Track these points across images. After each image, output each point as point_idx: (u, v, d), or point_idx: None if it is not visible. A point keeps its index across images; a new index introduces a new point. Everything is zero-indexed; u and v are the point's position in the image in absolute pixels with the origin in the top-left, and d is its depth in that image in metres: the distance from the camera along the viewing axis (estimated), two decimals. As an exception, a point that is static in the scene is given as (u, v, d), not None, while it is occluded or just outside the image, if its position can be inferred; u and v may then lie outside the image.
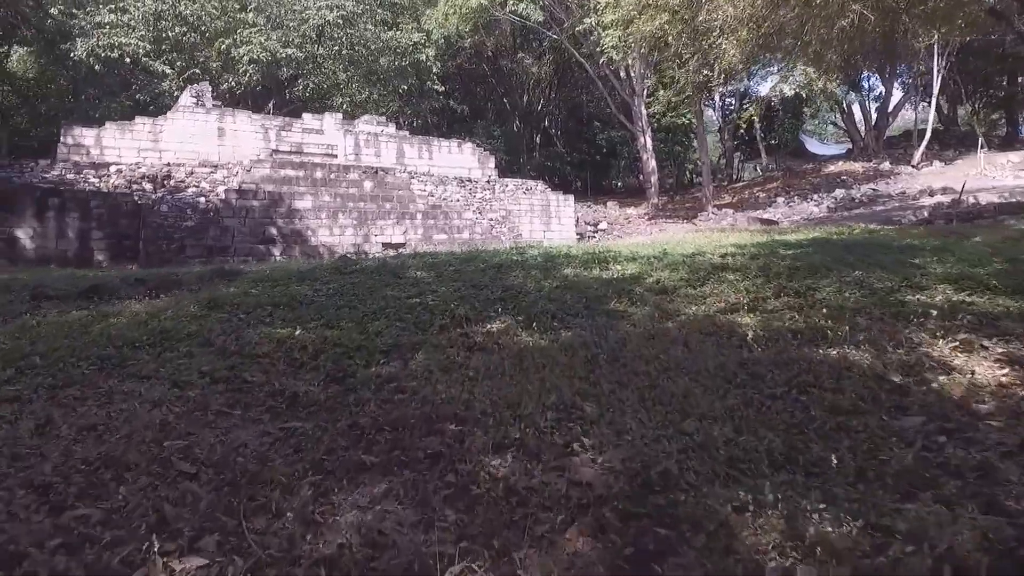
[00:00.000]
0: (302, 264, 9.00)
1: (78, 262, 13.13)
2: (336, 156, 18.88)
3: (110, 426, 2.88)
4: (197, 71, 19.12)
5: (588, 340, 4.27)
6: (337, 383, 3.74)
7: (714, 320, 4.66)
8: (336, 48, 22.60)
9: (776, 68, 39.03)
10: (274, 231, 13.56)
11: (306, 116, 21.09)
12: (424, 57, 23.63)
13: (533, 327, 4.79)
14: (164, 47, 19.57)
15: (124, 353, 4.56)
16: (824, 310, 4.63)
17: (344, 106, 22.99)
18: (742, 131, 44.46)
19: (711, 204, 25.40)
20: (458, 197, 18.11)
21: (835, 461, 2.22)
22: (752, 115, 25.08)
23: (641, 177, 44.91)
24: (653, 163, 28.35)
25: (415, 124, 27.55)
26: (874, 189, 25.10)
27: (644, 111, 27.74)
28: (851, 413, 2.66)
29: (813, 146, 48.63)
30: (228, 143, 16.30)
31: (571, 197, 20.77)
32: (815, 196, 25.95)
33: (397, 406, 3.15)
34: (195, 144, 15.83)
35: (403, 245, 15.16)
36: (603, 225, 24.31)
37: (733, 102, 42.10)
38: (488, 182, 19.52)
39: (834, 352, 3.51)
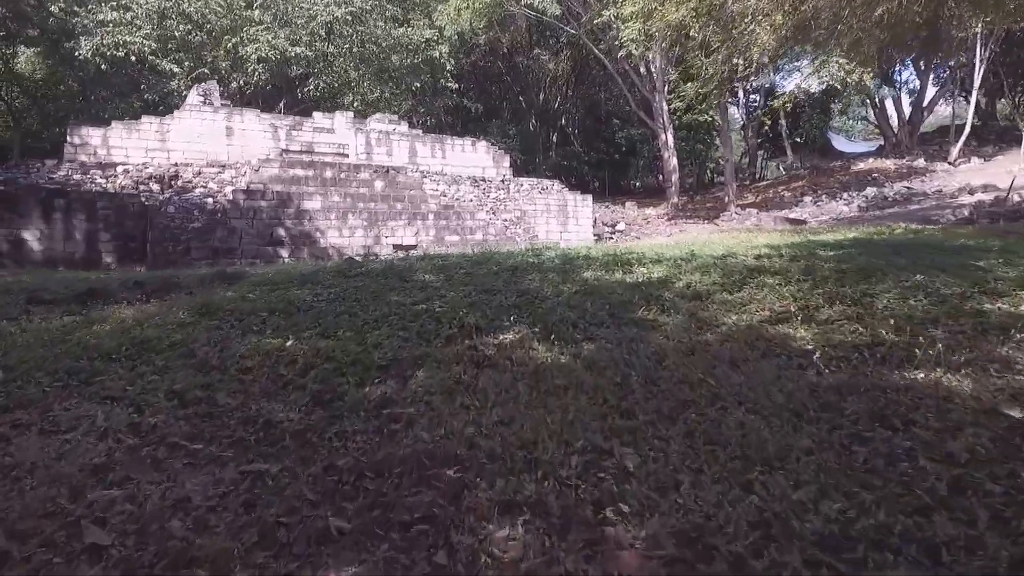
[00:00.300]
0: (307, 267, 8.53)
1: (85, 264, 12.86)
2: (347, 155, 18.49)
3: (36, 467, 2.37)
4: (205, 70, 18.90)
5: (616, 356, 3.69)
6: (322, 407, 3.22)
7: (760, 332, 4.04)
8: (346, 46, 22.25)
9: (804, 62, 38.01)
10: (282, 232, 13.17)
11: (316, 115, 20.76)
12: (437, 54, 23.19)
13: (551, 339, 4.23)
14: (171, 46, 19.38)
15: (96, 367, 4.11)
16: (891, 321, 3.98)
17: (356, 105, 22.63)
18: (766, 128, 43.56)
19: (734, 203, 24.58)
20: (471, 197, 17.60)
21: (969, 543, 1.61)
22: (786, 101, 24.19)
23: (661, 176, 44.09)
24: (674, 161, 27.59)
25: (428, 123, 27.14)
26: (908, 187, 24.07)
27: (665, 107, 27.01)
28: (973, 463, 2.04)
29: (840, 143, 47.35)
30: (236, 143, 15.99)
31: (589, 197, 20.15)
32: (844, 195, 24.99)
33: (386, 441, 2.61)
34: (203, 144, 15.54)
35: (414, 247, 14.69)
36: (621, 226, 23.64)
37: (757, 99, 41.07)
38: (503, 181, 18.98)
39: (921, 375, 2.89)
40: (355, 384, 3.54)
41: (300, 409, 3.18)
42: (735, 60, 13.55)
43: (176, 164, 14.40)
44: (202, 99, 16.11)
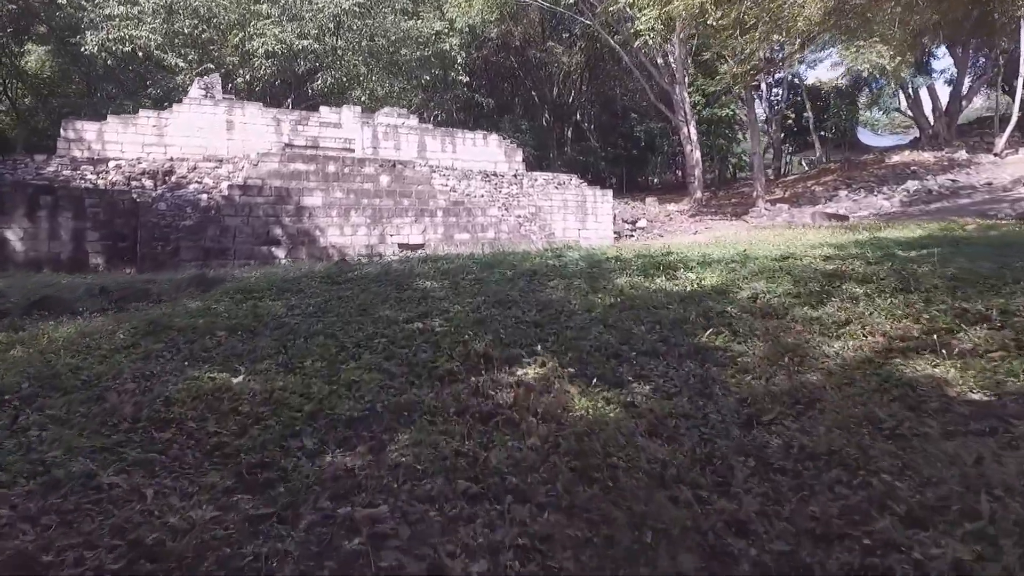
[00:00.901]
0: (295, 270, 7.46)
1: (72, 265, 11.94)
2: (354, 151, 17.46)
3: None
4: (211, 66, 18.01)
5: (687, 408, 2.52)
6: (251, 495, 2.09)
7: (889, 371, 2.84)
8: (355, 40, 21.23)
9: (828, 53, 36.33)
10: (279, 231, 12.15)
11: (323, 109, 19.75)
12: (448, 47, 22.08)
13: (589, 377, 3.07)
14: (177, 41, 18.51)
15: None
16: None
17: (364, 100, 21.62)
18: (790, 122, 41.93)
19: (762, 199, 23.17)
20: (483, 192, 16.46)
21: None
22: (835, 83, 22.58)
23: (681, 171, 42.61)
24: (697, 155, 26.21)
25: (439, 119, 26.05)
26: (953, 180, 22.48)
27: (687, 99, 25.64)
28: None
29: (866, 137, 45.48)
30: (237, 137, 15.03)
31: (609, 192, 18.92)
32: (883, 189, 23.45)
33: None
34: (202, 138, 14.60)
35: (422, 246, 13.60)
36: (642, 223, 22.36)
37: (780, 92, 39.36)
38: (516, 176, 17.82)
39: None
40: (309, 453, 2.41)
41: (215, 501, 2.06)
42: (774, 37, 12.29)
43: (172, 159, 13.45)
44: (203, 92, 15.16)
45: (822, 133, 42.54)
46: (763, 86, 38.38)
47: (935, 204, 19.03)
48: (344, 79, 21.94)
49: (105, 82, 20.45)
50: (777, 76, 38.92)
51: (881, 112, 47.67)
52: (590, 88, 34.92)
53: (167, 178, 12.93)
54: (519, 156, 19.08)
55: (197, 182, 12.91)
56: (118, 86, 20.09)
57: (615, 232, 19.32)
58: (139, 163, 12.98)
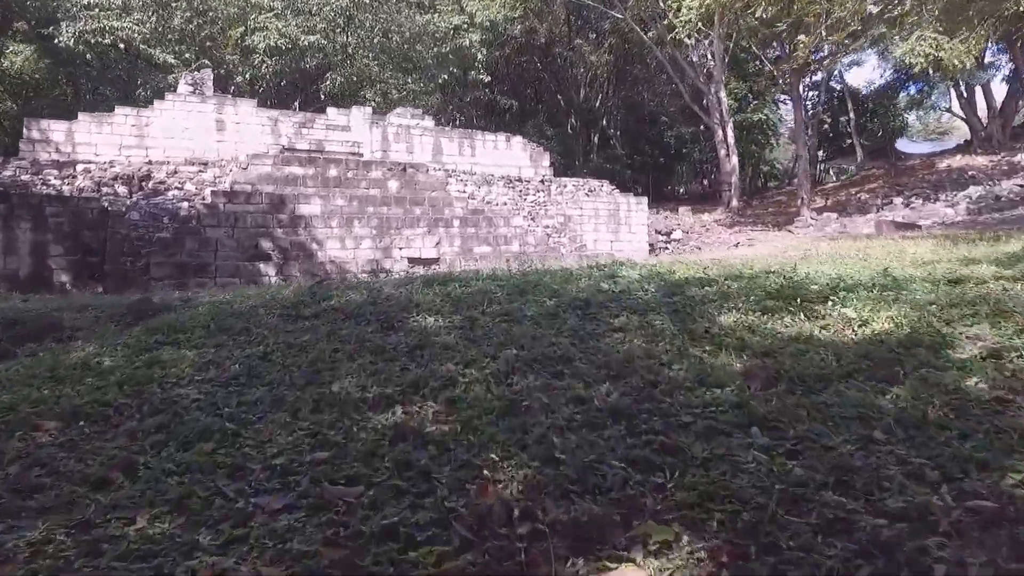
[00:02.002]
0: (259, 296, 5.60)
1: (32, 283, 10.27)
2: (362, 155, 15.75)
3: None
4: (207, 62, 16.54)
5: None
6: None
7: None
8: (366, 36, 19.66)
9: (870, 51, 33.98)
10: (269, 244, 10.39)
11: (330, 111, 18.14)
12: (467, 42, 20.40)
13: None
14: (171, 36, 17.10)
15: None
16: None
17: (378, 101, 20.00)
18: (826, 127, 39.50)
19: (808, 207, 20.92)
20: (505, 200, 14.58)
21: None
22: (875, 84, 20.41)
23: (706, 181, 40.43)
24: (734, 160, 24.10)
25: (458, 122, 24.35)
26: (1021, 186, 20.01)
27: (724, 100, 23.59)
28: None
29: (901, 143, 42.83)
30: (229, 139, 13.42)
31: (643, 200, 16.91)
32: (941, 196, 21.06)
33: None
34: (188, 140, 13.01)
35: (436, 261, 11.73)
36: (677, 234, 20.26)
37: (816, 96, 36.94)
38: (543, 182, 15.92)
39: None
40: None
41: None
42: (823, 31, 10.39)
43: (151, 162, 11.83)
44: (191, 88, 13.61)
45: (848, 141, 40.13)
46: (801, 88, 36.12)
47: (1009, 212, 16.66)
48: (355, 79, 20.34)
49: (95, 83, 19.05)
50: (814, 78, 36.71)
51: (922, 114, 44.88)
52: (616, 93, 33.01)
53: (144, 184, 11.28)
54: (546, 160, 17.20)
55: (178, 188, 11.24)
56: (108, 87, 18.66)
57: (650, 244, 17.29)
58: (111, 167, 11.36)
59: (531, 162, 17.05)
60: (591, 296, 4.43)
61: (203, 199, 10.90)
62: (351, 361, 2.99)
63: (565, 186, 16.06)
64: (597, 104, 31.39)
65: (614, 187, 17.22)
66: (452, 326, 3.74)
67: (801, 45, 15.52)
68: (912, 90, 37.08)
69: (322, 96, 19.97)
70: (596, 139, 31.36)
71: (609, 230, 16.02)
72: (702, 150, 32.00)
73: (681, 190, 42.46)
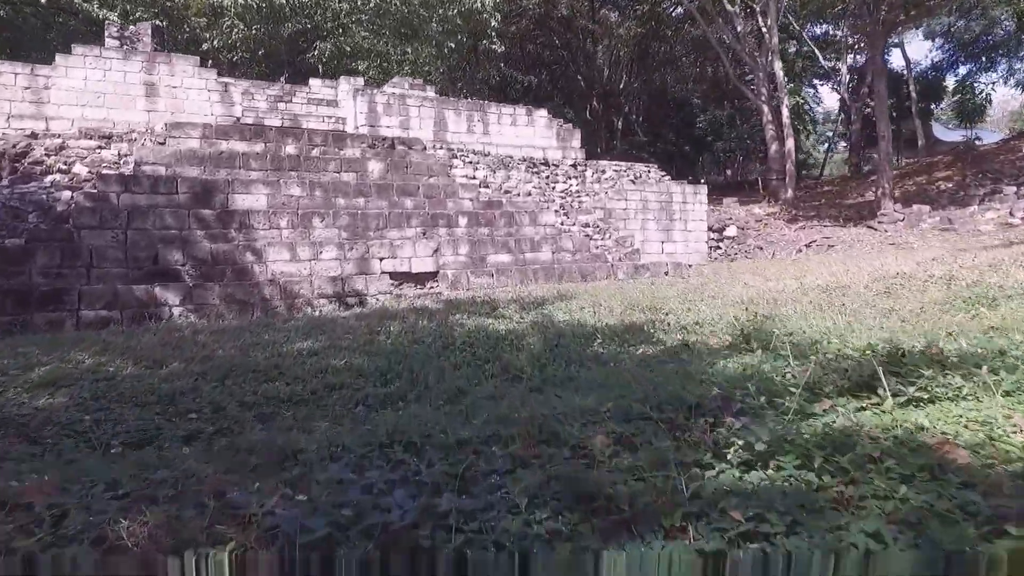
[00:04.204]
0: None
1: None
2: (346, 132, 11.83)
3: None
4: (159, 22, 12.64)
5: None
6: None
7: None
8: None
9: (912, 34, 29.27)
10: (178, 256, 6.52)
11: (314, 82, 14.18)
12: (479, 3, 16.31)
13: None
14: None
15: None
16: None
17: (371, 74, 16.01)
18: (869, 110, 34.67)
19: (889, 199, 16.58)
20: (529, 188, 10.55)
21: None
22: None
23: (732, 169, 36.01)
24: (789, 144, 19.79)
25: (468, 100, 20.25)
26: None
27: (779, 71, 19.22)
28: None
29: (938, 131, 37.89)
30: (163, 107, 9.58)
31: (702, 189, 12.80)
32: (1054, 183, 16.56)
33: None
34: (107, 108, 9.19)
35: (433, 276, 7.75)
36: (731, 230, 16.05)
37: (854, 78, 32.11)
38: (574, 166, 11.86)
39: None
40: None
41: None
42: None
43: (36, 136, 7.98)
44: (118, 42, 9.74)
45: (894, 127, 35.44)
46: (843, 69, 31.42)
47: None
48: (348, 49, 16.33)
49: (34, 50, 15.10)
50: (859, 58, 31.98)
51: (969, 97, 39.69)
52: (639, 74, 28.60)
53: (17, 164, 7.43)
54: (576, 140, 13.09)
55: (62, 170, 7.37)
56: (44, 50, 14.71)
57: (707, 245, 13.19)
58: (-31, 141, 7.52)
59: (558, 142, 12.96)
60: None
61: (95, 187, 7.02)
62: None
63: (603, 172, 11.97)
64: (621, 86, 27.03)
65: (664, 173, 13.10)
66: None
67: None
68: (961, 71, 32.29)
69: (319, 68, 16.00)
70: (620, 123, 27.05)
71: (660, 227, 11.93)
72: (738, 135, 27.50)
73: (702, 180, 38.01)
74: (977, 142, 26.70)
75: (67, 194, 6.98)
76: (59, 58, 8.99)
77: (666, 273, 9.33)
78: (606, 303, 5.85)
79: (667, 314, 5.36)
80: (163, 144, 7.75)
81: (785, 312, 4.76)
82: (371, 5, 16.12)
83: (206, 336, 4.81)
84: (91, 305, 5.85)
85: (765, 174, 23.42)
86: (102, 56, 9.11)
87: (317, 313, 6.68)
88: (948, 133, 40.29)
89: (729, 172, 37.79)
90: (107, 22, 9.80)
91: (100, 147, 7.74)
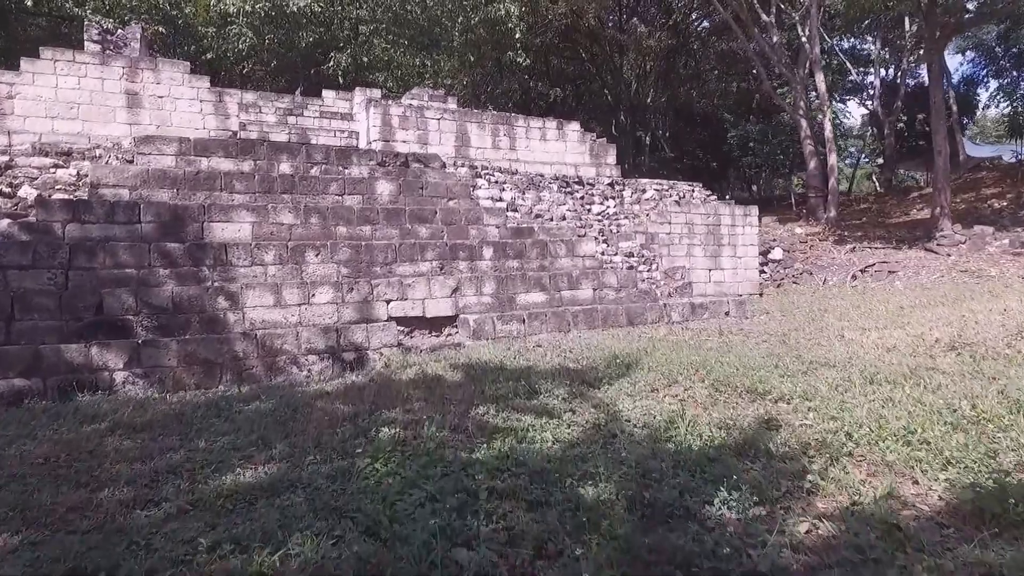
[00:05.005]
0: None
1: None
2: (358, 147, 10.34)
3: None
4: (160, 29, 11.34)
5: None
6: None
7: None
8: (377, 5, 14.27)
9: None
10: (130, 301, 4.98)
11: (327, 93, 12.81)
12: (503, 12, 14.82)
13: None
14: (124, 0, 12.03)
15: None
16: None
17: (389, 85, 14.60)
18: (901, 125, 32.40)
19: (948, 217, 14.58)
20: (563, 211, 8.88)
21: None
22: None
23: (757, 185, 34.11)
24: (832, 159, 17.91)
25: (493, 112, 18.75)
26: None
27: (821, 83, 17.39)
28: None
29: (969, 147, 35.48)
30: (148, 119, 8.17)
31: (753, 210, 11.00)
32: None
33: None
34: (82, 121, 7.81)
35: (452, 321, 6.12)
36: (776, 253, 14.20)
37: (877, 92, 30.00)
38: (612, 186, 10.18)
39: None
40: None
41: None
42: None
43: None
44: (99, 46, 8.39)
45: (921, 142, 33.23)
46: (876, 82, 29.34)
47: None
48: (365, 60, 14.96)
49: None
50: (885, 74, 29.96)
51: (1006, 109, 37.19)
52: (665, 88, 26.89)
53: (-42, 187, 6.00)
54: (611, 156, 11.44)
55: (4, 194, 5.92)
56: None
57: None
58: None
59: (592, 158, 11.31)
60: None
61: (40, 213, 5.53)
62: None
63: (644, 191, 10.27)
64: (648, 100, 25.34)
65: (709, 192, 11.36)
66: None
67: None
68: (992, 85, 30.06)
69: (339, 79, 14.63)
70: (648, 139, 25.33)
71: (707, 254, 10.15)
72: (771, 150, 25.59)
73: (728, 196, 36.02)
74: (1010, 157, 24.42)
75: (4, 223, 5.50)
76: (24, 63, 7.62)
77: (727, 313, 7.56)
78: (683, 379, 4.13)
79: (778, 401, 3.63)
80: (130, 162, 6.27)
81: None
82: (389, 14, 14.74)
83: (126, 438, 3.22)
84: (3, 372, 4.30)
85: (804, 192, 21.42)
86: (75, 61, 7.72)
87: (304, 374, 5.07)
88: (975, 148, 37.79)
89: (755, 187, 35.77)
90: (87, 23, 8.42)
91: (57, 166, 6.28)
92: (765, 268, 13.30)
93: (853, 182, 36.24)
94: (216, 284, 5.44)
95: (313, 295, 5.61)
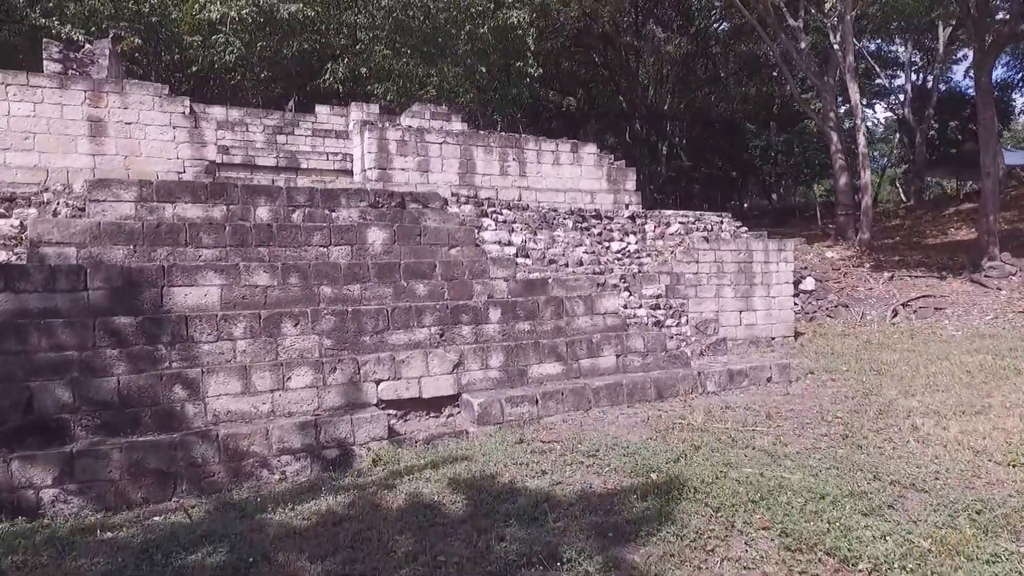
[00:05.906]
0: None
1: None
2: (352, 174, 9.68)
3: None
4: (137, 39, 10.61)
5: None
6: None
7: None
8: (377, 11, 13.55)
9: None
10: (67, 397, 4.26)
11: (321, 109, 12.18)
12: (515, 20, 14.05)
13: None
14: (103, 8, 11.31)
15: None
16: None
17: (389, 98, 13.87)
18: (932, 133, 31.33)
19: (996, 245, 13.67)
20: (580, 254, 8.09)
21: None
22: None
23: (777, 194, 33.27)
24: (867, 176, 17.01)
25: (499, 128, 18.00)
26: None
27: (855, 93, 16.52)
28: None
29: (1007, 155, 34.46)
30: (115, 148, 7.47)
31: (788, 244, 10.16)
32: None
33: None
34: (38, 152, 7.09)
35: (454, 400, 5.36)
36: (808, 283, 13.37)
37: (902, 99, 29.01)
38: (632, 218, 9.39)
39: None
40: None
41: None
42: None
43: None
44: (60, 65, 7.70)
45: (953, 150, 32.28)
46: (907, 87, 28.34)
47: None
48: (364, 71, 14.25)
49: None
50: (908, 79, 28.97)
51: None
52: (683, 95, 26.07)
53: None
54: (630, 181, 10.64)
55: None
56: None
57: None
58: None
59: (609, 184, 10.53)
60: None
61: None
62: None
63: (668, 224, 9.49)
64: (666, 107, 24.52)
65: (739, 223, 10.55)
66: None
67: None
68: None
69: (339, 90, 13.92)
70: (665, 149, 24.51)
71: (738, 294, 9.35)
72: (795, 161, 24.69)
73: (746, 205, 35.09)
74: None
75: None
76: (-24, 88, 6.93)
77: (769, 379, 6.77)
78: (740, 521, 3.35)
79: (871, 573, 2.84)
80: (82, 211, 5.55)
81: None
82: (391, 20, 14.01)
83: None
84: (-101, 499, 3.57)
85: (827, 200, 20.53)
86: (29, 85, 7.02)
87: (277, 477, 4.31)
88: (1009, 154, 36.75)
89: (774, 195, 34.83)
90: (45, 41, 7.71)
91: (-1, 214, 5.57)
92: (796, 299, 12.46)
93: (878, 189, 35.27)
94: (174, 367, 4.70)
95: (289, 378, 4.86)
